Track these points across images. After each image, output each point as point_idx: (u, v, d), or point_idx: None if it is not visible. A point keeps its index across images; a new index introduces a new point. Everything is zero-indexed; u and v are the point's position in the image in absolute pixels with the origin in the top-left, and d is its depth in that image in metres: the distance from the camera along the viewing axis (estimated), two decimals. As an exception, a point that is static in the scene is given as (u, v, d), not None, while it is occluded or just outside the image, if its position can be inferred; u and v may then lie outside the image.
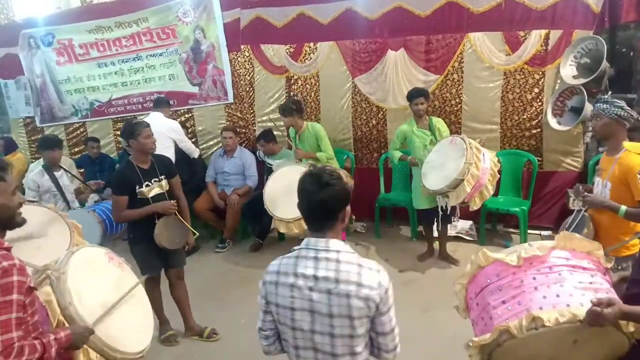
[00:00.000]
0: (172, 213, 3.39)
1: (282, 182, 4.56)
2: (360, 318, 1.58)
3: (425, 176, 4.30)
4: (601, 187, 2.82)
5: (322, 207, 1.62)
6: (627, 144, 2.73)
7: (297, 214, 4.20)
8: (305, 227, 4.31)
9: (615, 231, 2.70)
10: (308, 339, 1.65)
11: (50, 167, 4.39)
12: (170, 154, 4.69)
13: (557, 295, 1.78)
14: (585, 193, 2.86)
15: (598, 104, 2.81)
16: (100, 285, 2.17)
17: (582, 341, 1.77)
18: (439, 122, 4.67)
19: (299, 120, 4.90)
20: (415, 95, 4.55)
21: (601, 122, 2.79)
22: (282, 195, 4.48)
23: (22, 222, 1.89)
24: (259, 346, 1.82)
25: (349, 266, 1.60)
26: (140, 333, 2.27)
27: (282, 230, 4.53)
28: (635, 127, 4.88)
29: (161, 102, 5.48)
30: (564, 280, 1.83)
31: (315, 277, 1.60)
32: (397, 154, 4.78)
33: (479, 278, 2.00)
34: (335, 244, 1.64)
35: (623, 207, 2.59)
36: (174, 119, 6.18)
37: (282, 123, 5.80)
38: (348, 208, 1.68)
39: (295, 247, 1.70)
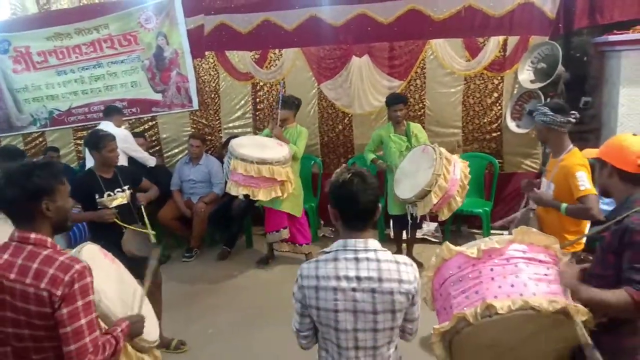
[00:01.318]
0: (108, 221, 3.26)
1: (256, 140, 4.70)
2: (401, 310, 1.70)
3: (397, 184, 4.34)
4: (546, 187, 3.00)
5: (371, 206, 1.70)
6: (578, 151, 2.88)
7: (260, 156, 4.26)
8: (264, 173, 4.24)
9: (560, 231, 2.83)
10: (351, 338, 1.71)
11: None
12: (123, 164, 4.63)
13: (512, 285, 1.86)
14: (534, 189, 3.03)
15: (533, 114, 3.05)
16: (110, 280, 2.20)
17: (536, 331, 1.83)
18: (416, 128, 4.69)
19: (292, 117, 4.86)
20: (393, 101, 4.58)
21: (537, 130, 3.10)
22: (251, 145, 4.46)
23: (70, 227, 1.93)
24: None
25: (388, 264, 1.68)
26: (152, 323, 2.34)
27: (239, 171, 4.26)
28: (592, 129, 5.12)
29: (112, 111, 5.31)
30: (520, 271, 1.90)
31: (358, 278, 1.66)
32: (371, 156, 4.82)
33: (442, 270, 2.07)
34: (372, 243, 1.71)
35: (564, 205, 2.76)
36: (137, 127, 6.11)
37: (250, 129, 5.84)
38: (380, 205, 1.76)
39: (327, 250, 1.74)
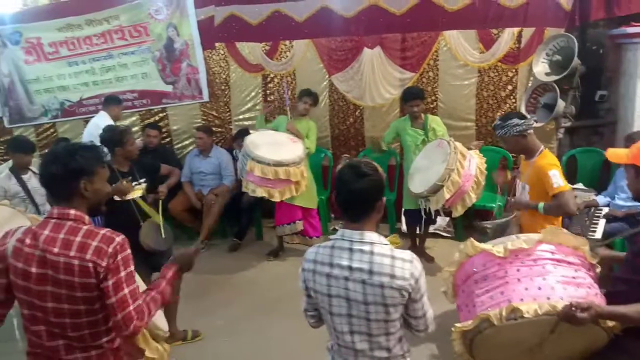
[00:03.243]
0: (126, 194, 3.24)
1: (267, 137, 4.60)
2: (395, 305, 1.67)
3: (411, 178, 4.28)
4: (521, 189, 3.06)
5: (361, 197, 1.69)
6: (548, 152, 3.00)
7: (278, 158, 4.24)
8: (280, 175, 4.25)
9: (537, 229, 2.83)
10: (345, 323, 1.73)
11: (17, 171, 4.25)
12: None
13: (539, 288, 1.82)
14: (512, 199, 3.14)
15: (498, 131, 3.02)
16: None
17: (561, 332, 1.79)
18: (434, 121, 4.61)
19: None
20: (410, 97, 4.51)
21: (510, 144, 3.05)
22: (266, 143, 4.44)
23: (103, 210, 2.09)
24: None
25: (382, 258, 1.66)
26: (162, 317, 2.43)
27: (256, 173, 4.27)
28: (607, 123, 5.04)
29: (109, 101, 5.21)
30: (548, 273, 1.87)
31: (350, 268, 1.68)
32: (386, 143, 4.92)
33: (466, 267, 2.05)
34: (369, 236, 1.70)
35: (540, 204, 2.81)
36: (147, 118, 6.11)
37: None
38: (384, 199, 1.75)
39: (331, 237, 1.77)
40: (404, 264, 1.66)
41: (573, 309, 1.68)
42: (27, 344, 1.84)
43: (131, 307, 1.71)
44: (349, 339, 1.74)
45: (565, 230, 2.00)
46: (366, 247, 1.68)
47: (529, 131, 2.95)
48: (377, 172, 1.71)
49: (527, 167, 3.01)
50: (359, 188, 1.67)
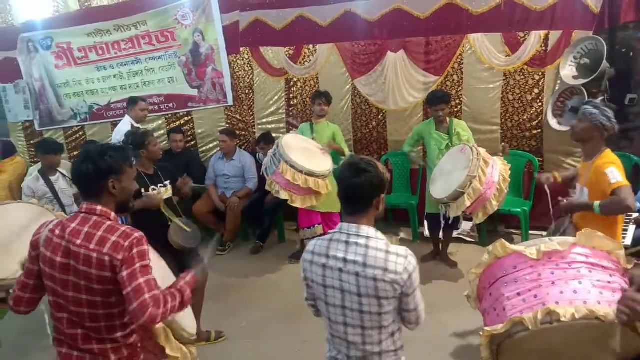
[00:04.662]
0: (155, 206, 3.32)
1: (301, 142, 4.63)
2: (387, 298, 1.71)
3: (433, 183, 4.23)
4: (579, 192, 2.89)
5: (358, 192, 1.74)
6: (610, 151, 2.80)
7: (308, 167, 4.24)
8: (310, 184, 4.26)
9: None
10: (340, 314, 1.79)
11: (46, 172, 4.36)
12: None
13: (575, 292, 1.77)
14: (564, 200, 2.92)
15: (587, 107, 2.82)
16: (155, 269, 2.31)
17: (594, 339, 1.75)
18: (459, 126, 4.54)
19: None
20: (435, 101, 4.45)
21: (583, 125, 2.83)
22: (300, 149, 4.46)
23: (132, 208, 2.19)
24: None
25: (376, 252, 1.71)
26: (190, 318, 2.49)
27: (287, 177, 4.22)
28: (637, 127, 4.92)
29: (128, 104, 5.12)
30: (583, 277, 1.81)
31: (345, 260, 1.73)
32: (407, 149, 4.82)
33: (495, 269, 2.00)
34: (366, 230, 1.75)
35: (596, 203, 2.65)
36: (173, 122, 6.20)
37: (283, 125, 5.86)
38: (383, 196, 1.80)
39: (330, 231, 1.84)
40: (398, 259, 1.70)
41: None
42: (54, 330, 1.93)
43: (147, 295, 1.75)
44: (342, 330, 1.80)
45: (600, 234, 1.94)
46: (362, 241, 1.73)
47: (605, 132, 2.77)
48: (377, 169, 1.75)
49: (586, 169, 2.86)
50: (357, 183, 1.72)
